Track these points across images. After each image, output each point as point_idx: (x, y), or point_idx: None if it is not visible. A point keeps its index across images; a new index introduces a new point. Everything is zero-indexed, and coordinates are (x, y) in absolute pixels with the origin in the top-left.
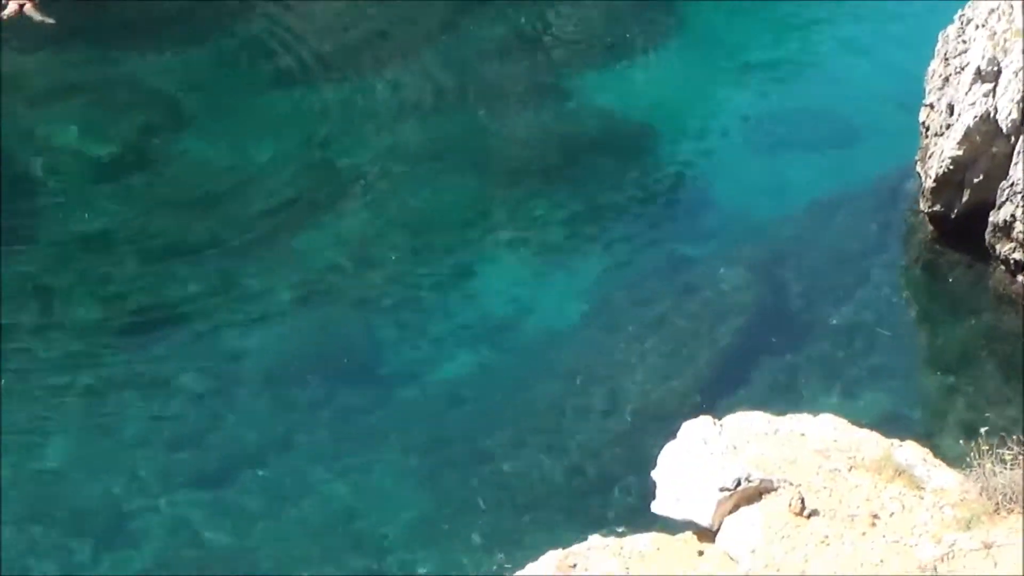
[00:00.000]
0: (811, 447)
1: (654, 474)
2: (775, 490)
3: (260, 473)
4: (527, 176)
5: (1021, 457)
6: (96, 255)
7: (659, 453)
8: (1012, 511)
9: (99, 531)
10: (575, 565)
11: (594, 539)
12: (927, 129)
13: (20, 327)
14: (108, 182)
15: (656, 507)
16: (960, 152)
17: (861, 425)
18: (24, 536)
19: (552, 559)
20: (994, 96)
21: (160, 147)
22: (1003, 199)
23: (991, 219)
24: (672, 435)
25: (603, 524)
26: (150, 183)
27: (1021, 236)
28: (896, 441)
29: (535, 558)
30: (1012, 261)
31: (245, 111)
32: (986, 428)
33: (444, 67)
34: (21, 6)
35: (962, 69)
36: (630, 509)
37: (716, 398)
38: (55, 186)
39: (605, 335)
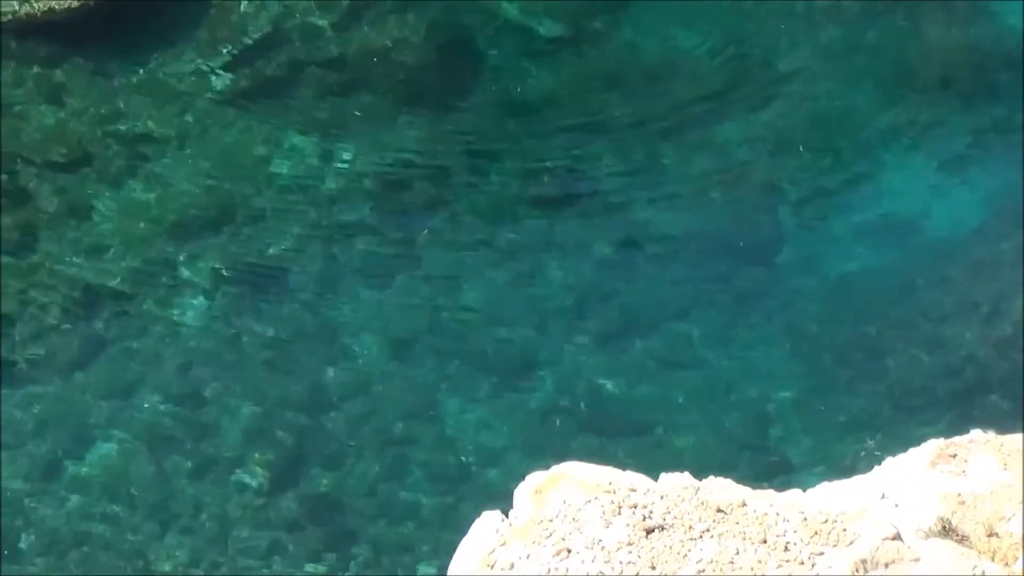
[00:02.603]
0: None
1: None
2: None
3: (656, 338)
4: (937, 87)
5: None
6: (524, 123)
7: None
8: None
9: (504, 371)
10: (955, 455)
11: (975, 433)
12: None
13: (451, 180)
14: (543, 57)
15: None
16: None
17: None
18: (440, 370)
19: (932, 447)
20: None
21: (596, 28)
22: None
23: None
24: None
25: (977, 423)
26: (583, 62)
27: None
28: None
29: (905, 448)
30: None
31: (680, 1)
32: None
33: None
34: None
35: None
36: (1006, 413)
37: None
38: (495, 56)
39: (997, 245)
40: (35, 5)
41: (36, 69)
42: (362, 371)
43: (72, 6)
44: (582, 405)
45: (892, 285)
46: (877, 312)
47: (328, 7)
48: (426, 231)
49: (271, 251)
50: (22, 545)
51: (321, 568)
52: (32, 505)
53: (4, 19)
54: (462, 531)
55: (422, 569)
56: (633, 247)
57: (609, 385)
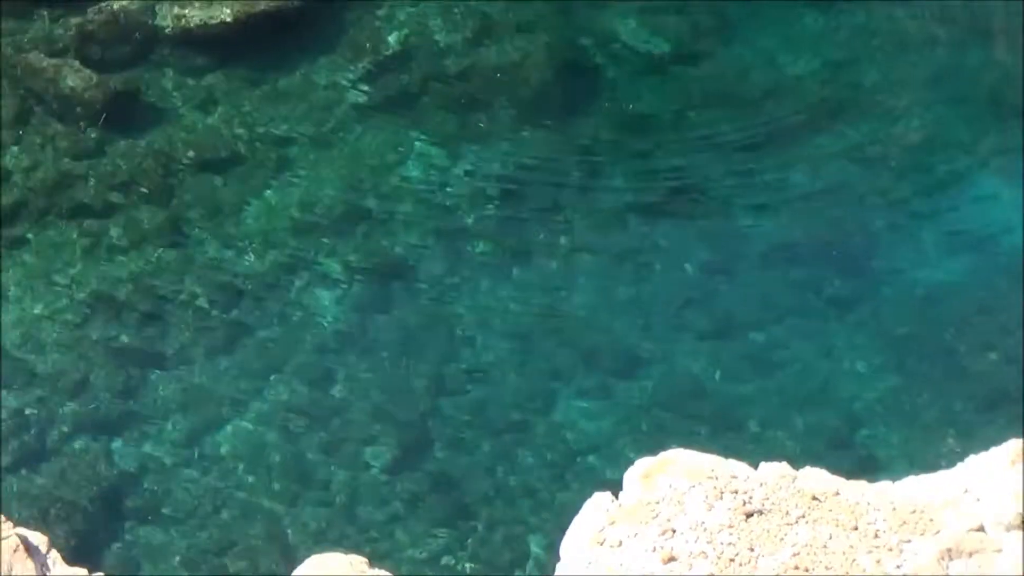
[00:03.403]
0: None
1: None
2: None
3: (753, 338)
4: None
5: None
6: (634, 137)
7: None
8: None
9: (611, 365)
10: None
11: None
12: None
13: (566, 188)
14: (655, 75)
15: None
16: None
17: None
18: (552, 362)
19: (1013, 446)
20: None
21: (704, 49)
22: None
23: None
24: None
25: None
26: (691, 79)
27: None
28: None
29: (987, 447)
30: None
31: (784, 25)
32: None
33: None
34: None
35: None
36: None
37: None
38: (611, 73)
39: None
40: (191, 19)
41: (191, 77)
42: (480, 361)
43: (225, 21)
44: (683, 399)
45: (975, 295)
46: (961, 320)
47: (457, 27)
48: (542, 234)
49: (399, 249)
50: (165, 511)
51: (439, 540)
52: (176, 475)
53: (164, 31)
54: (570, 510)
55: (533, 544)
56: (734, 253)
57: (708, 381)
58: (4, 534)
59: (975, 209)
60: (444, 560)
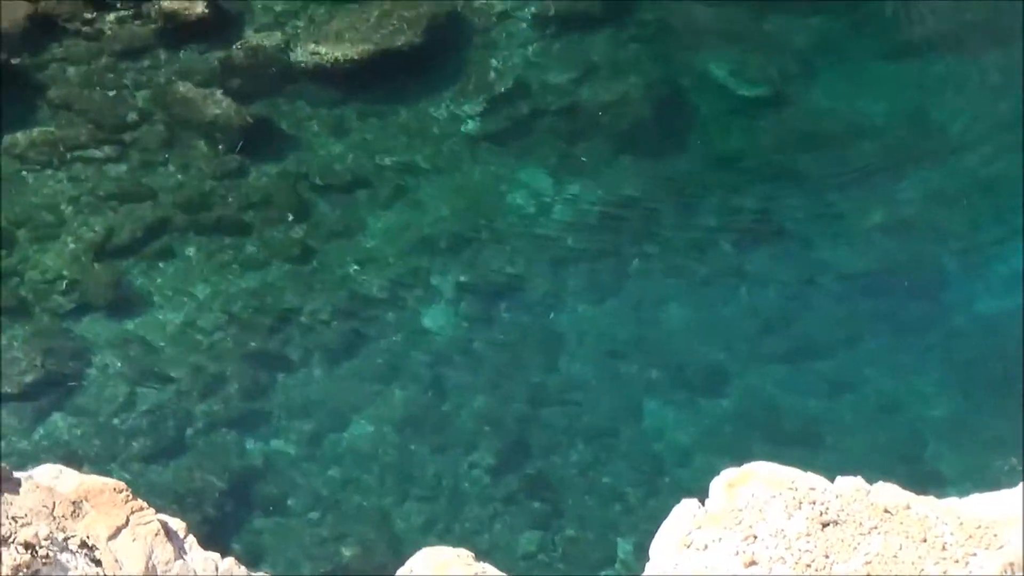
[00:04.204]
0: None
1: None
2: None
3: (829, 360)
4: None
5: None
6: (724, 172)
7: None
8: None
9: (697, 381)
10: None
11: None
12: None
13: (660, 217)
14: (744, 115)
15: None
16: None
17: None
18: (643, 377)
19: None
20: None
21: (791, 93)
22: None
23: None
24: None
25: None
26: (777, 121)
27: None
28: None
29: None
30: None
31: (866, 73)
32: None
33: None
34: None
35: None
36: None
37: None
38: (702, 113)
39: None
40: (324, 56)
41: (322, 108)
42: (577, 374)
43: (354, 58)
44: (764, 414)
45: None
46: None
47: (563, 67)
48: (637, 260)
49: (506, 269)
50: (289, 503)
51: (535, 538)
52: (299, 470)
53: (299, 66)
54: (657, 515)
55: (622, 545)
56: (812, 282)
57: (786, 399)
58: (146, 519)
59: None
60: (539, 557)
